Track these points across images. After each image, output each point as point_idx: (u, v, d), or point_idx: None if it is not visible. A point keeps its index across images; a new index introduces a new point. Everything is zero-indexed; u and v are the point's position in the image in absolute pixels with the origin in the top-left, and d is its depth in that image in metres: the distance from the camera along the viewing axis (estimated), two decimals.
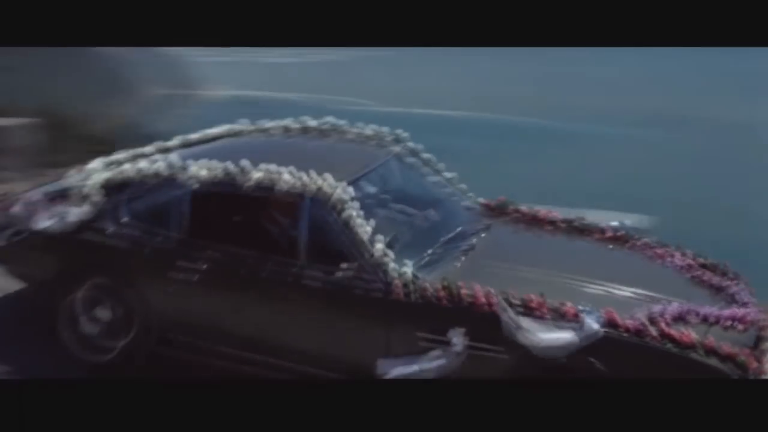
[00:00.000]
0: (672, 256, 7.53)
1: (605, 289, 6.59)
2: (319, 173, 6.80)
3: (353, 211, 6.65)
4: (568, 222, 7.87)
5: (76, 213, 7.22)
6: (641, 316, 6.15)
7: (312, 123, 8.51)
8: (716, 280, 7.21)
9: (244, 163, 6.93)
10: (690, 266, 7.38)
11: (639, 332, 6.06)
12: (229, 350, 6.98)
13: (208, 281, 6.89)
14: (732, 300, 6.90)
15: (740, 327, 6.43)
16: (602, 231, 7.83)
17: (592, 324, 6.04)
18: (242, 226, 7.35)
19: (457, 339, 6.13)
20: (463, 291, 6.24)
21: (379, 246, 6.51)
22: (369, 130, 8.33)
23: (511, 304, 6.13)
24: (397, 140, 8.20)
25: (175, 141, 8.31)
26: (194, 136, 8.46)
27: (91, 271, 7.29)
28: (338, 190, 6.69)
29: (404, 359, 6.32)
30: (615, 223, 8.02)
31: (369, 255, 6.49)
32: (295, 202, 6.83)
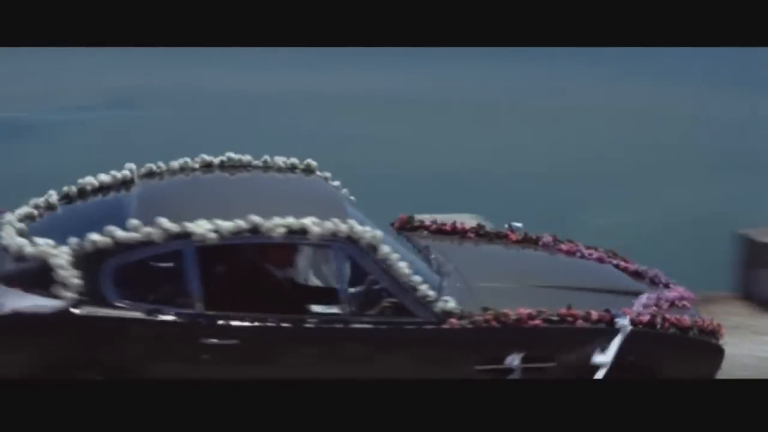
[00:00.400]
0: (579, 250, 8.10)
1: (562, 290, 6.99)
2: (328, 217, 6.45)
3: (389, 251, 6.51)
4: (476, 231, 8.01)
5: (51, 305, 6.14)
6: (642, 309, 6.83)
7: (218, 159, 7.65)
8: (631, 266, 7.91)
9: (254, 218, 6.31)
10: (601, 257, 7.99)
11: (651, 324, 6.68)
12: None
13: (240, 360, 6.30)
14: (652, 282, 7.65)
15: (686, 304, 7.26)
16: (506, 236, 8.14)
17: (626, 323, 6.52)
18: (266, 289, 6.74)
19: (514, 361, 6.32)
20: (507, 312, 6.42)
21: (420, 280, 6.45)
22: (281, 161, 7.74)
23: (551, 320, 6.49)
24: (309, 169, 7.80)
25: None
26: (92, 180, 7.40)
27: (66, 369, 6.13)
28: (368, 234, 6.46)
29: None
30: (518, 225, 8.25)
31: (414, 292, 6.42)
32: (325, 251, 6.75)
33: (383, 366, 6.37)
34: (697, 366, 6.92)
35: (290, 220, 6.30)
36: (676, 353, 6.82)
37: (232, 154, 7.63)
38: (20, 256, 6.25)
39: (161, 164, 7.49)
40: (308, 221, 6.32)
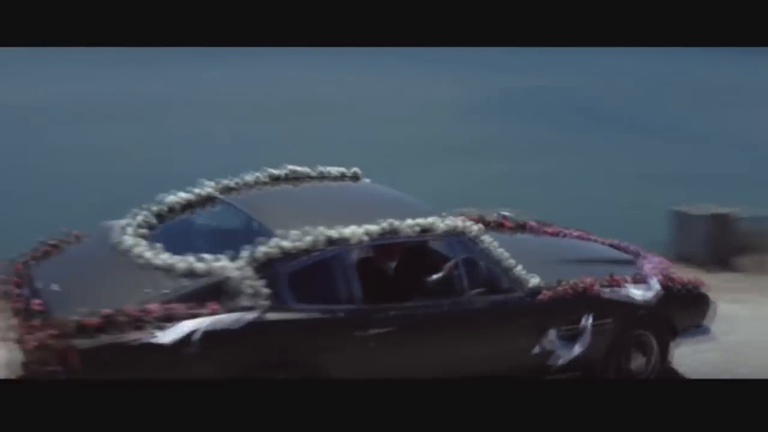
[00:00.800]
0: (561, 231, 9.57)
1: (576, 263, 8.52)
2: (420, 214, 7.55)
3: (491, 240, 7.76)
4: (477, 221, 8.55)
5: (247, 314, 6.63)
6: (652, 272, 8.40)
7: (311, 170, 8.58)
8: (607, 241, 9.40)
9: (392, 220, 7.27)
10: (581, 235, 9.51)
11: (666, 285, 8.26)
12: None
13: (382, 337, 7.10)
14: (627, 252, 9.16)
15: (668, 266, 8.81)
16: (501, 224, 9.45)
17: (656, 283, 8.18)
18: (406, 281, 7.67)
19: (587, 321, 7.80)
20: (576, 282, 7.86)
21: (514, 262, 7.69)
22: (334, 170, 8.66)
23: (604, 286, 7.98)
24: (356, 176, 8.73)
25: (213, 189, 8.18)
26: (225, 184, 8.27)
27: (265, 371, 6.61)
28: (474, 227, 7.71)
29: (573, 344, 7.82)
30: (507, 213, 9.63)
31: (512, 272, 7.66)
32: (444, 244, 7.79)
33: (498, 335, 7.65)
34: (699, 313, 8.62)
35: (420, 220, 7.37)
36: (686, 304, 8.50)
37: (293, 167, 8.51)
38: (187, 273, 6.75)
39: (236, 180, 8.26)
40: (432, 220, 7.46)
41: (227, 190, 8.15)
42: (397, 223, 7.26)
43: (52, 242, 7.96)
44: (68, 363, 6.18)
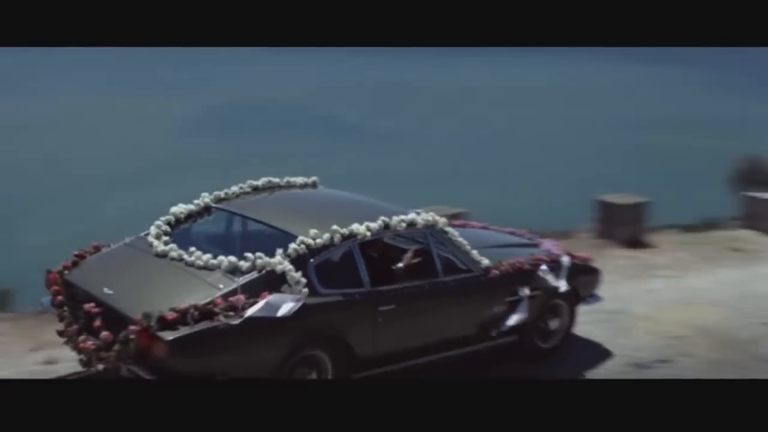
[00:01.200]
0: (467, 223, 11.90)
1: (499, 247, 10.43)
2: (385, 212, 9.22)
3: (453, 231, 9.58)
4: None
5: (289, 305, 7.87)
6: (556, 251, 10.52)
7: (293, 180, 10.28)
8: (507, 229, 11.47)
9: (384, 218, 8.95)
10: (485, 226, 11.67)
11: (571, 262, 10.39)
12: (411, 356, 9.03)
13: (395, 311, 8.74)
14: (525, 237, 11.26)
15: (560, 247, 10.85)
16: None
17: (566, 260, 10.33)
18: (397, 266, 9.35)
19: (525, 292, 9.73)
20: (512, 262, 9.85)
21: (470, 248, 9.52)
22: (298, 180, 10.33)
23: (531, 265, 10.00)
24: (315, 184, 10.43)
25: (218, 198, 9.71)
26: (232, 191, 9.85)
27: (310, 339, 8.22)
28: (442, 219, 9.56)
29: (515, 313, 9.70)
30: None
31: (473, 255, 9.50)
32: (421, 236, 9.41)
33: (463, 305, 9.39)
34: (593, 282, 10.85)
35: (403, 216, 9.11)
36: (585, 275, 10.70)
37: (270, 178, 10.12)
38: (232, 270, 8.07)
39: (225, 191, 9.76)
40: (413, 215, 9.25)
41: (219, 200, 9.65)
42: (388, 219, 8.94)
43: (78, 253, 9.00)
44: (153, 354, 7.39)
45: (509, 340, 9.83)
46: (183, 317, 7.45)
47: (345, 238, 8.52)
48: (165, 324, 7.39)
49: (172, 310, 7.45)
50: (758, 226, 17.22)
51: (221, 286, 7.87)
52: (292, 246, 8.18)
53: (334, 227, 8.45)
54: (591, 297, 10.81)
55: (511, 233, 11.33)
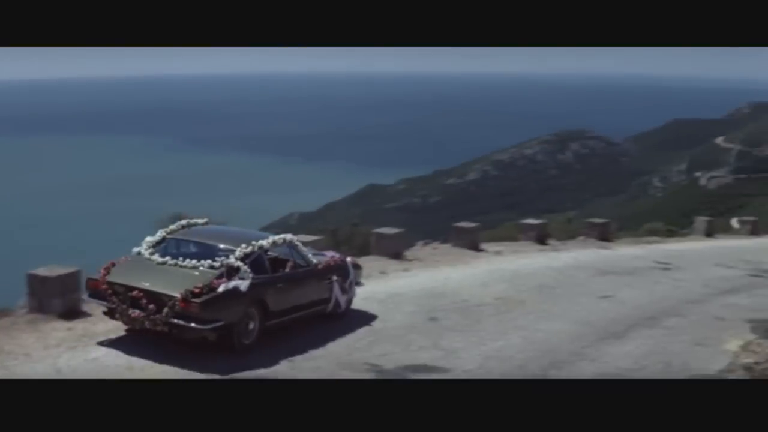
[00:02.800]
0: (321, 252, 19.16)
1: (315, 255, 17.83)
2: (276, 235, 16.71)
3: (300, 243, 17.16)
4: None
5: (245, 283, 14.85)
6: (337, 257, 18.27)
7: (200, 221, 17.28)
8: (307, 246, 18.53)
9: (271, 236, 16.49)
10: (293, 244, 17.09)
11: (353, 262, 18.60)
12: (290, 312, 16.22)
13: (282, 287, 16.09)
14: (320, 252, 18.60)
15: (338, 257, 18.28)
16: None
17: (349, 260, 18.40)
18: (281, 265, 16.73)
19: (334, 278, 17.42)
20: (326, 260, 17.53)
21: (307, 252, 17.24)
22: (200, 220, 17.28)
23: (337, 263, 18.08)
24: (207, 222, 17.44)
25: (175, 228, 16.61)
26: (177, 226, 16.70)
27: (253, 301, 15.13)
28: (289, 237, 16.92)
29: (341, 295, 17.62)
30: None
31: (309, 257, 17.08)
32: (281, 248, 16.82)
33: (308, 284, 16.70)
34: (360, 273, 18.81)
35: (275, 237, 16.41)
36: (357, 269, 18.53)
37: (190, 220, 17.07)
38: (210, 267, 15.01)
39: (171, 227, 16.64)
40: (283, 236, 16.64)
41: (172, 231, 16.45)
42: (272, 238, 16.44)
43: (107, 265, 15.26)
44: (190, 310, 14.10)
45: (326, 305, 17.30)
46: (201, 291, 14.27)
47: (259, 248, 15.81)
48: (194, 295, 14.20)
49: (195, 288, 14.28)
50: None
51: (209, 275, 14.83)
52: (238, 252, 15.31)
53: (253, 242, 15.75)
54: (358, 283, 18.65)
55: (315, 251, 18.47)
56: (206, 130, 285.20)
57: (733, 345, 17.03)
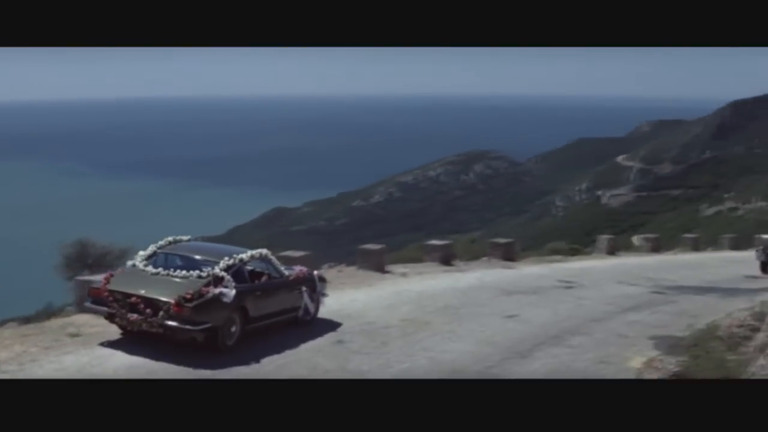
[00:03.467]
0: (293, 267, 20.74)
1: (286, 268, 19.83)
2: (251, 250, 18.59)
3: (272, 258, 19.04)
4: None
5: (231, 292, 16.58)
6: (305, 270, 20.16)
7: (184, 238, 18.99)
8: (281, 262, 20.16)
9: (249, 251, 18.25)
10: (267, 258, 18.97)
11: (318, 275, 20.73)
12: (266, 318, 17.95)
13: (260, 295, 17.89)
14: (290, 266, 20.34)
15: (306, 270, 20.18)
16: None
17: (316, 273, 20.64)
18: (258, 277, 18.48)
19: (303, 288, 19.29)
20: (296, 273, 19.45)
21: (279, 265, 19.19)
22: (184, 237, 19.00)
23: (305, 275, 19.99)
24: (188, 240, 19.16)
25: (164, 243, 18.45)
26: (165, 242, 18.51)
27: (235, 307, 16.82)
28: (265, 251, 18.77)
29: (300, 299, 19.15)
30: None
31: (282, 270, 19.04)
32: (260, 260, 18.70)
33: (281, 293, 18.67)
34: (324, 284, 20.51)
35: (252, 251, 18.34)
36: (322, 281, 20.40)
37: (176, 237, 18.70)
38: (198, 276, 16.83)
39: (160, 243, 18.38)
40: (259, 250, 18.66)
41: (163, 246, 18.19)
42: (250, 252, 18.20)
43: (106, 276, 17.04)
44: (182, 314, 15.79)
45: (296, 312, 19.09)
46: (192, 297, 16.00)
47: (239, 261, 17.63)
48: (185, 300, 15.95)
49: (186, 294, 16.03)
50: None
51: (198, 283, 16.48)
52: (222, 264, 17.08)
53: (234, 256, 17.60)
54: (323, 294, 20.34)
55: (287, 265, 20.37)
56: (110, 155, 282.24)
57: (637, 362, 17.22)
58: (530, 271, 30.58)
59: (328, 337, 18.42)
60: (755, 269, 34.63)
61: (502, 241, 34.62)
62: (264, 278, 18.50)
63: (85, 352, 16.25)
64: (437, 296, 23.72)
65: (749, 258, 36.48)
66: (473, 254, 32.73)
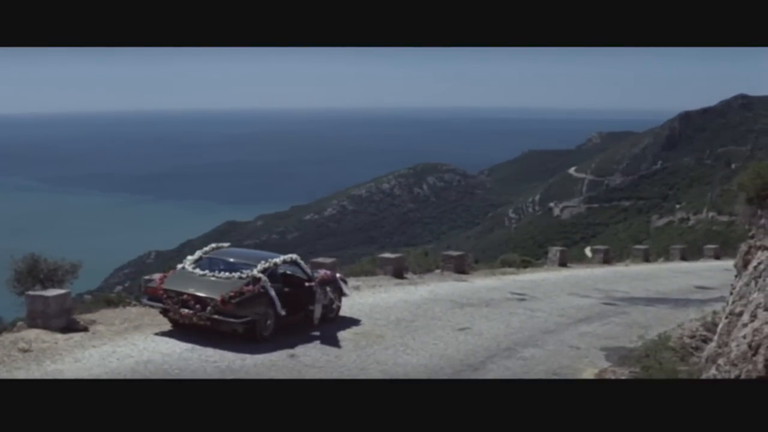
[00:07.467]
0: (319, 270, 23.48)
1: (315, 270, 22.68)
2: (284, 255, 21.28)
3: (301, 262, 21.60)
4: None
5: (270, 290, 19.43)
6: (330, 273, 22.75)
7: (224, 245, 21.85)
8: (306, 266, 22.42)
9: (282, 256, 20.84)
10: (297, 262, 21.57)
11: (341, 278, 23.32)
12: (300, 314, 20.45)
13: (285, 293, 20.00)
14: (314, 268, 23.48)
15: (330, 273, 22.79)
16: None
17: (339, 276, 23.18)
18: (289, 278, 20.80)
19: (327, 288, 21.55)
20: (321, 275, 21.79)
21: (308, 268, 22.00)
22: (224, 244, 21.97)
23: (330, 277, 22.56)
24: (227, 245, 22.18)
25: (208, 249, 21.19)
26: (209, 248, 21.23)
27: (270, 305, 19.37)
28: (295, 256, 21.32)
29: (320, 303, 20.81)
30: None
31: (309, 272, 21.45)
32: (288, 265, 21.04)
33: (310, 291, 20.75)
34: (347, 285, 23.16)
35: (284, 256, 20.90)
36: (344, 283, 22.97)
37: (218, 243, 21.90)
38: (240, 277, 19.30)
39: (205, 249, 21.04)
40: (290, 255, 21.24)
41: (206, 253, 20.66)
42: (283, 257, 20.65)
43: (161, 276, 19.71)
44: (227, 309, 18.37)
45: (323, 309, 20.87)
46: (235, 295, 18.46)
47: (273, 264, 20.06)
48: (230, 297, 18.38)
49: (231, 292, 18.50)
50: (43, 324, 18.59)
51: (239, 283, 18.90)
52: (259, 267, 19.50)
53: (269, 260, 20.09)
54: (347, 295, 22.60)
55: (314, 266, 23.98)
56: (56, 169, 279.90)
57: (589, 373, 17.30)
58: (483, 283, 30.53)
59: (282, 352, 18.33)
60: (705, 280, 34.91)
61: (455, 253, 34.54)
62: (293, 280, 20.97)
63: (36, 368, 15.97)
64: (390, 309, 23.71)
65: (700, 269, 36.76)
66: (426, 267, 32.67)
